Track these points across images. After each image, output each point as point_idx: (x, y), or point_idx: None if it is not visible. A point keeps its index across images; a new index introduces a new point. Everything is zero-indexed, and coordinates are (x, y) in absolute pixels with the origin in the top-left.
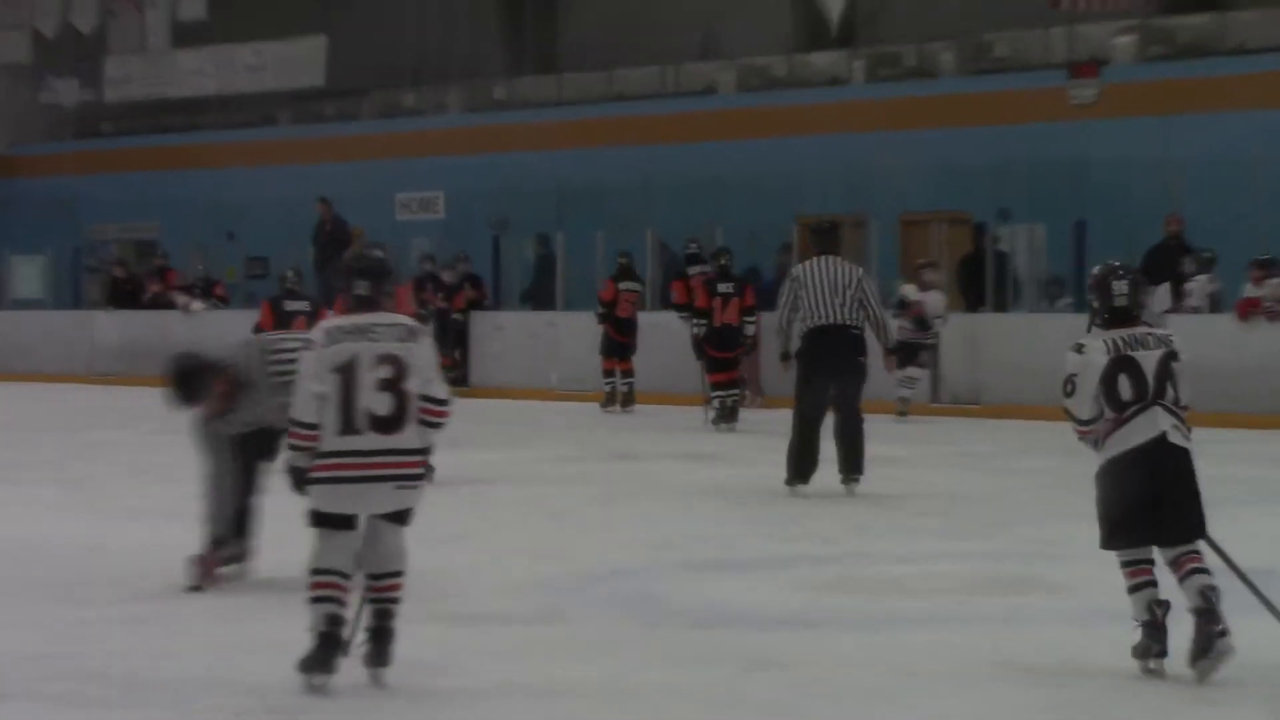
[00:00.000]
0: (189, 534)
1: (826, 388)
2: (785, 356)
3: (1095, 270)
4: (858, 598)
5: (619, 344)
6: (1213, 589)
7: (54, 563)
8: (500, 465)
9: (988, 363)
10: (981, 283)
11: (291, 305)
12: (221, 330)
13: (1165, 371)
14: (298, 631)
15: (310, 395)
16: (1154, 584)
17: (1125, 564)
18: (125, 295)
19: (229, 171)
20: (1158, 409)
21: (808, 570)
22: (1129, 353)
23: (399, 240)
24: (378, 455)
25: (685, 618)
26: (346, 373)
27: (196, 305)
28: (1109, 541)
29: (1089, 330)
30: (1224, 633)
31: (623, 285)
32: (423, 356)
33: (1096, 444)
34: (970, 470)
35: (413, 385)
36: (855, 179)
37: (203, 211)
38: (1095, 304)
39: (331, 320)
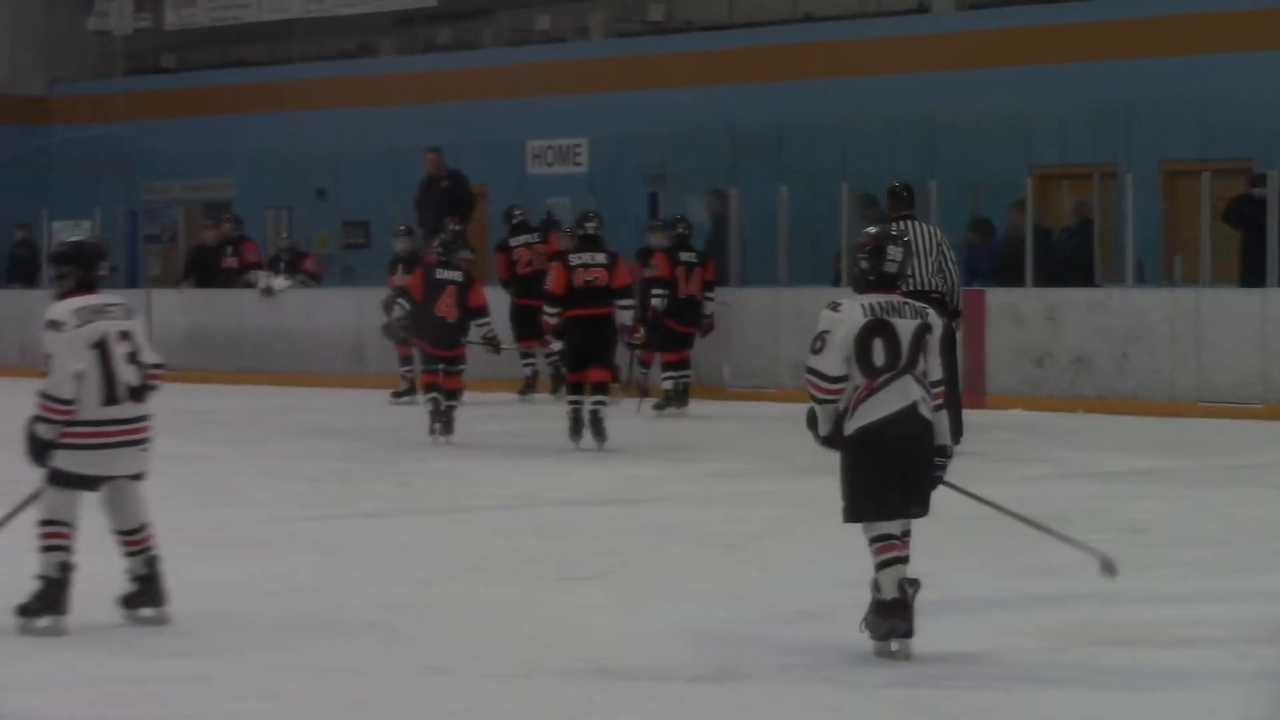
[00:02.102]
0: (268, 568)
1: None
2: None
3: (870, 232)
4: (1108, 648)
5: (680, 335)
6: (911, 582)
7: (102, 605)
8: (657, 482)
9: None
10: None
11: (444, 274)
12: (310, 313)
13: (919, 343)
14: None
15: (69, 373)
16: (904, 560)
17: (874, 539)
18: (209, 268)
19: (319, 114)
20: (909, 378)
21: (1044, 613)
22: (886, 318)
23: (530, 198)
24: (132, 422)
25: (887, 673)
26: (102, 349)
27: (279, 283)
28: (856, 514)
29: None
30: (909, 632)
31: (684, 257)
32: (140, 330)
33: (839, 410)
34: (1244, 486)
35: (146, 356)
36: (1104, 119)
37: (287, 165)
38: (864, 265)
39: (76, 301)
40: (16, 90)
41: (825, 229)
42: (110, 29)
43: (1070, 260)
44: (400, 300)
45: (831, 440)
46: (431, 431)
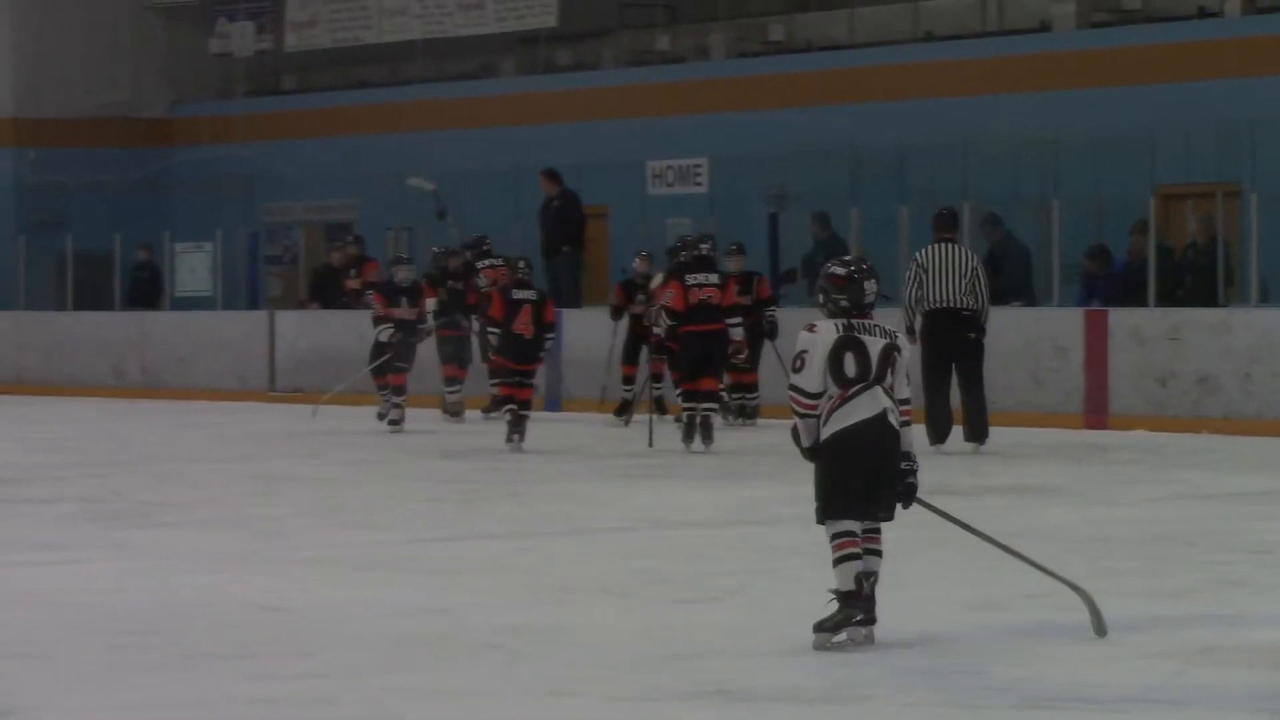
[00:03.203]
0: (387, 590)
1: (949, 365)
2: (910, 332)
3: (839, 269)
4: (1234, 670)
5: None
6: (868, 575)
7: (221, 626)
8: (775, 503)
9: None
10: None
11: (520, 294)
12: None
13: (887, 359)
14: None
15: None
16: (860, 556)
17: (835, 536)
18: (333, 290)
19: (439, 135)
20: (879, 389)
21: (1168, 635)
22: (857, 335)
23: (651, 219)
24: None
25: (1012, 695)
26: None
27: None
28: (825, 514)
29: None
30: (866, 621)
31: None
32: None
33: (819, 422)
34: None
35: None
36: (1228, 137)
37: (406, 186)
38: (843, 301)
39: None
40: (139, 113)
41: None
42: (232, 51)
43: (1194, 280)
44: (490, 330)
45: (813, 451)
46: (509, 440)
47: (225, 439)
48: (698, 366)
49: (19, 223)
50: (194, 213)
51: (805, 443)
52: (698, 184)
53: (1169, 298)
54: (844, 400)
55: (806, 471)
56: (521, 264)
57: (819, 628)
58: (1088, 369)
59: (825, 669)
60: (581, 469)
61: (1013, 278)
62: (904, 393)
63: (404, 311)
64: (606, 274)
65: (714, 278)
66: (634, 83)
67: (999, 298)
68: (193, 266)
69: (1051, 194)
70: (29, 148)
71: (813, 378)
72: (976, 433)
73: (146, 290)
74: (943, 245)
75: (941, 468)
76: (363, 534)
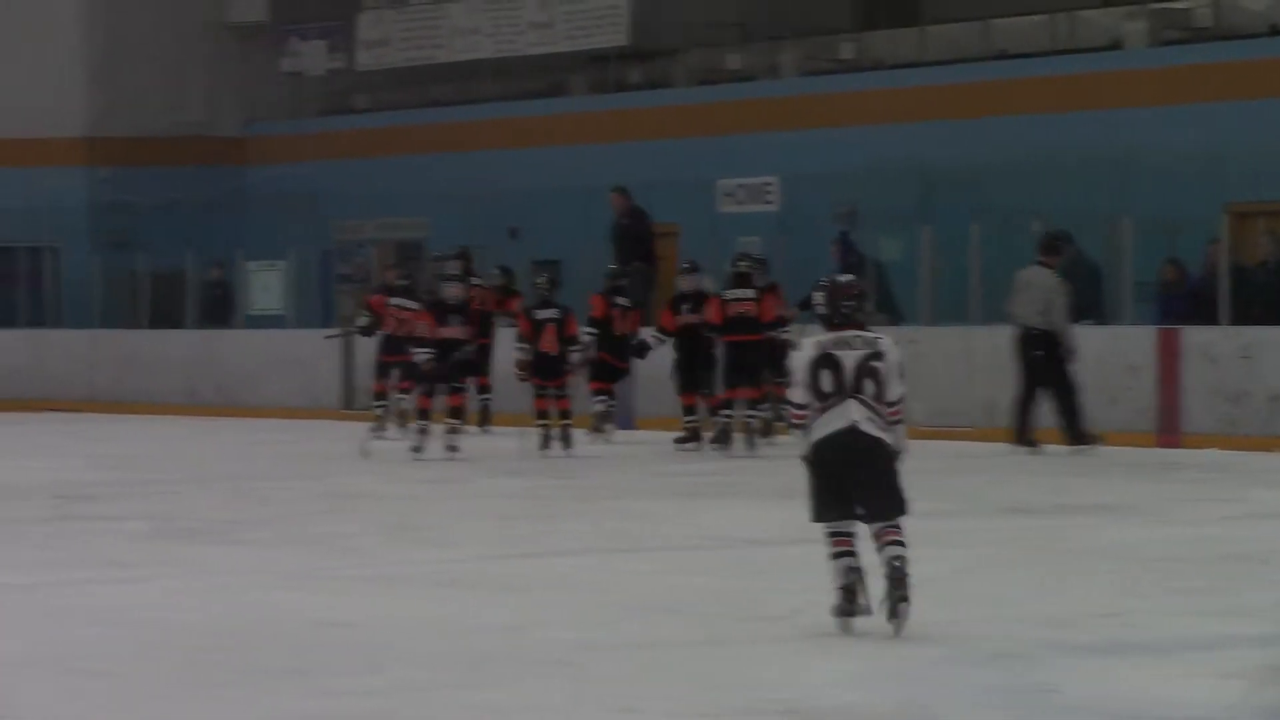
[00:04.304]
0: (457, 607)
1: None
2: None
3: (825, 283)
4: None
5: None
6: (900, 558)
7: (290, 643)
8: None
9: None
10: None
11: (542, 314)
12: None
13: (864, 370)
14: None
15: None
16: (852, 553)
17: (828, 535)
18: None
19: (509, 154)
20: (851, 402)
21: (1241, 654)
22: (832, 351)
23: (721, 237)
24: None
25: (1084, 714)
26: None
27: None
28: (815, 515)
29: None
30: (904, 599)
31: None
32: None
33: (805, 429)
34: None
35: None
36: None
37: (477, 204)
38: (826, 313)
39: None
40: (212, 132)
41: (1018, 267)
42: (304, 70)
43: (1267, 298)
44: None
45: (804, 459)
46: (542, 447)
47: (295, 457)
48: (735, 376)
49: (93, 241)
50: (266, 231)
51: (801, 450)
52: (768, 202)
53: (1241, 316)
54: (820, 413)
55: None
56: (541, 282)
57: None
58: (1160, 387)
59: (892, 688)
60: (649, 486)
61: (1083, 296)
62: (895, 394)
63: (453, 330)
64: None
65: (749, 292)
66: (704, 101)
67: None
68: (265, 285)
69: (1122, 212)
70: (103, 167)
71: (799, 392)
72: (1074, 435)
73: (219, 308)
74: (1037, 268)
75: (1021, 485)
76: (432, 551)
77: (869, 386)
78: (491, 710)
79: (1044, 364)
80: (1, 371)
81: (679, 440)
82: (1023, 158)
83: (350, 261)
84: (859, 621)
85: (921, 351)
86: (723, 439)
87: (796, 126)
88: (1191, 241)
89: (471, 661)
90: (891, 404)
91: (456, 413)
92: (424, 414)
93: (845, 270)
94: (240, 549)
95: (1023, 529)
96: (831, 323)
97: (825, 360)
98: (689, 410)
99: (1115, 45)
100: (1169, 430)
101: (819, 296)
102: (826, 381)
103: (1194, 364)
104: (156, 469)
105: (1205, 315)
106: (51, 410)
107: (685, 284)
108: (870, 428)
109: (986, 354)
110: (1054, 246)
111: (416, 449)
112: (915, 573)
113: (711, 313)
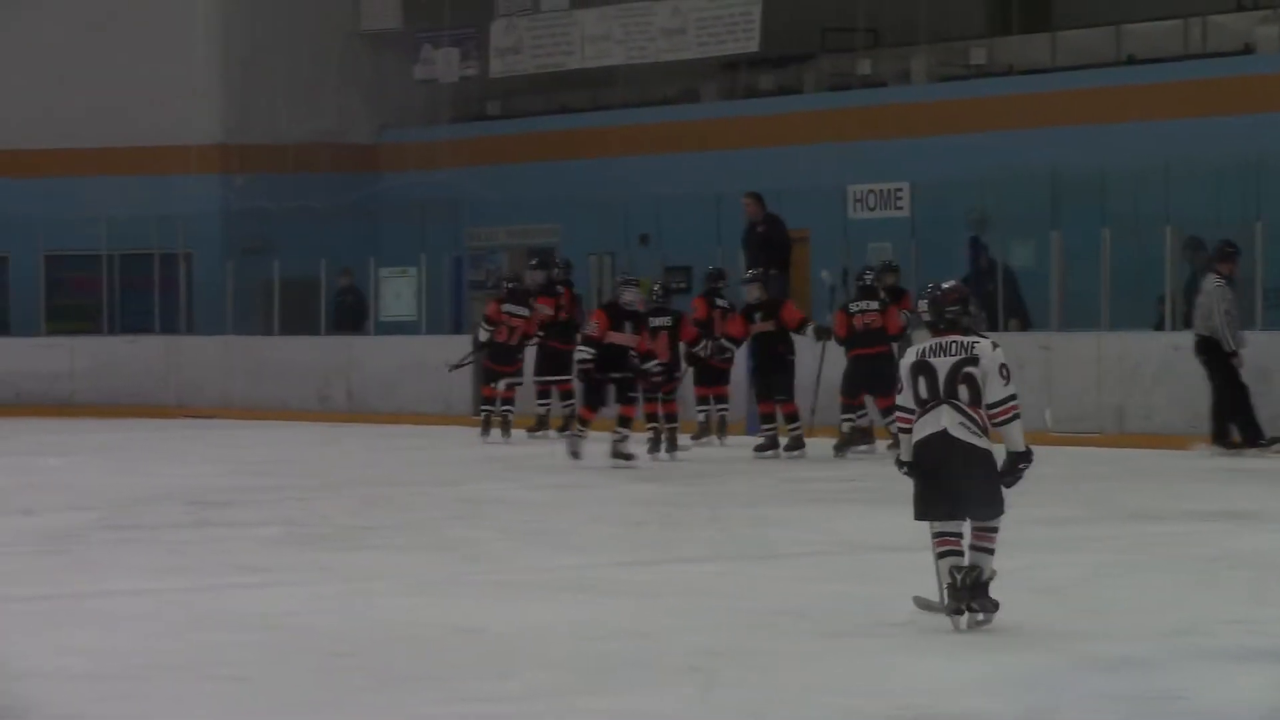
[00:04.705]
0: (588, 613)
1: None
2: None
3: (930, 290)
4: None
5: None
6: (959, 569)
7: (422, 649)
8: None
9: None
10: None
11: (656, 321)
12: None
13: (957, 375)
14: None
15: None
16: (957, 553)
17: (934, 535)
18: None
19: (641, 160)
20: (944, 407)
21: None
22: (928, 359)
23: (852, 243)
24: None
25: None
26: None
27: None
28: (918, 514)
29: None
30: (973, 609)
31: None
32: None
33: (908, 433)
34: None
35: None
36: None
37: (610, 211)
38: (930, 319)
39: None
40: (346, 139)
41: (1148, 273)
42: (437, 77)
43: None
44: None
45: (904, 464)
46: (651, 451)
47: (428, 463)
48: (858, 387)
49: (227, 248)
50: (399, 238)
51: (904, 457)
52: (899, 208)
53: None
54: (919, 418)
55: (1017, 495)
56: (657, 288)
57: (923, 604)
58: None
59: (1018, 693)
60: (780, 492)
61: None
62: (997, 395)
63: (623, 337)
64: (809, 298)
65: (874, 304)
66: (835, 107)
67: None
68: (398, 291)
69: (1254, 218)
70: (237, 174)
71: (906, 398)
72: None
73: (352, 315)
74: (1205, 277)
75: (1151, 491)
76: (564, 556)
77: (963, 392)
78: (622, 715)
79: (1209, 368)
80: (136, 378)
81: (758, 448)
82: (1154, 163)
83: (481, 268)
84: (987, 627)
85: (1052, 357)
86: (795, 445)
87: (927, 132)
88: None
89: (602, 667)
90: (994, 405)
91: (625, 422)
92: (584, 422)
93: (977, 276)
94: (372, 554)
95: (1151, 535)
96: (936, 329)
97: (922, 367)
98: (766, 418)
99: (1248, 50)
100: None
101: (923, 304)
102: (923, 387)
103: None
104: (289, 475)
105: None
106: (186, 417)
107: (750, 295)
108: (961, 433)
109: (1116, 359)
110: (1224, 254)
111: (574, 454)
112: (1042, 578)
113: (838, 325)
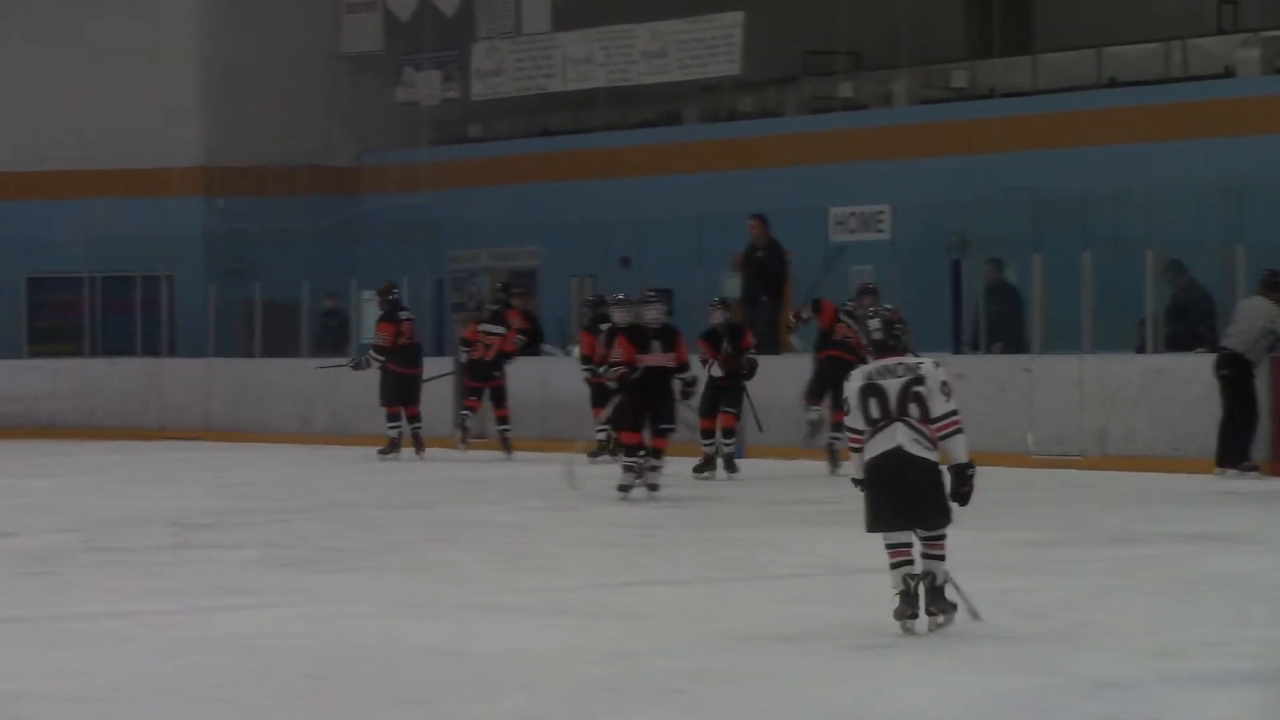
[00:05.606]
0: (570, 636)
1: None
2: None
3: (873, 312)
4: None
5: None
6: (913, 576)
7: (404, 671)
8: (958, 550)
9: None
10: None
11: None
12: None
13: (907, 395)
14: None
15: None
16: (909, 562)
17: (886, 546)
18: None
19: (623, 182)
20: (898, 425)
21: None
22: (877, 381)
23: (833, 265)
24: None
25: None
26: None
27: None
28: (870, 526)
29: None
30: (935, 611)
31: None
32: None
33: (860, 452)
34: None
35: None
36: None
37: (590, 233)
38: (879, 339)
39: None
40: (327, 161)
41: (1130, 295)
42: (418, 99)
43: None
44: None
45: (858, 480)
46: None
47: (409, 485)
48: (828, 387)
49: (208, 270)
50: (380, 260)
51: (855, 474)
52: (880, 230)
53: None
54: (871, 436)
55: (986, 516)
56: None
57: (894, 615)
58: (1274, 416)
59: (1002, 715)
60: (763, 515)
61: (1196, 324)
62: (939, 410)
63: (656, 358)
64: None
65: (854, 323)
66: (817, 130)
67: (1180, 344)
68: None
69: (1236, 240)
70: (218, 196)
71: (854, 419)
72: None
73: (334, 337)
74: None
75: (1132, 514)
76: (544, 579)
77: (914, 410)
78: None
79: (1225, 384)
80: (118, 400)
81: (696, 468)
82: (1135, 186)
83: (462, 290)
84: (969, 650)
85: (1037, 380)
86: (730, 465)
87: (908, 155)
88: None
89: (585, 690)
90: (937, 420)
91: (657, 454)
92: (630, 450)
93: (959, 297)
94: (354, 577)
95: (1132, 557)
96: (884, 347)
97: (872, 389)
98: (706, 434)
99: (1228, 73)
100: None
101: (875, 324)
102: (874, 408)
103: None
104: (271, 497)
105: None
106: (167, 439)
107: (715, 318)
108: (915, 448)
109: (1098, 382)
110: (1272, 282)
111: (624, 488)
112: (1023, 601)
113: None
